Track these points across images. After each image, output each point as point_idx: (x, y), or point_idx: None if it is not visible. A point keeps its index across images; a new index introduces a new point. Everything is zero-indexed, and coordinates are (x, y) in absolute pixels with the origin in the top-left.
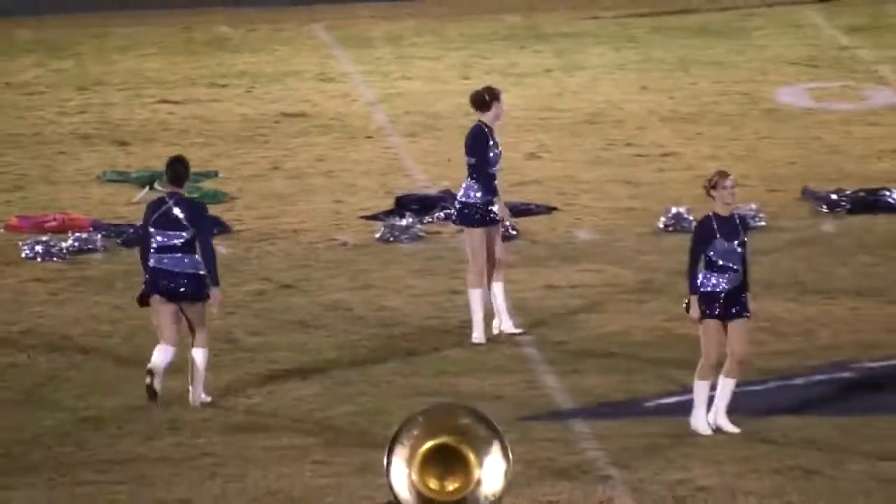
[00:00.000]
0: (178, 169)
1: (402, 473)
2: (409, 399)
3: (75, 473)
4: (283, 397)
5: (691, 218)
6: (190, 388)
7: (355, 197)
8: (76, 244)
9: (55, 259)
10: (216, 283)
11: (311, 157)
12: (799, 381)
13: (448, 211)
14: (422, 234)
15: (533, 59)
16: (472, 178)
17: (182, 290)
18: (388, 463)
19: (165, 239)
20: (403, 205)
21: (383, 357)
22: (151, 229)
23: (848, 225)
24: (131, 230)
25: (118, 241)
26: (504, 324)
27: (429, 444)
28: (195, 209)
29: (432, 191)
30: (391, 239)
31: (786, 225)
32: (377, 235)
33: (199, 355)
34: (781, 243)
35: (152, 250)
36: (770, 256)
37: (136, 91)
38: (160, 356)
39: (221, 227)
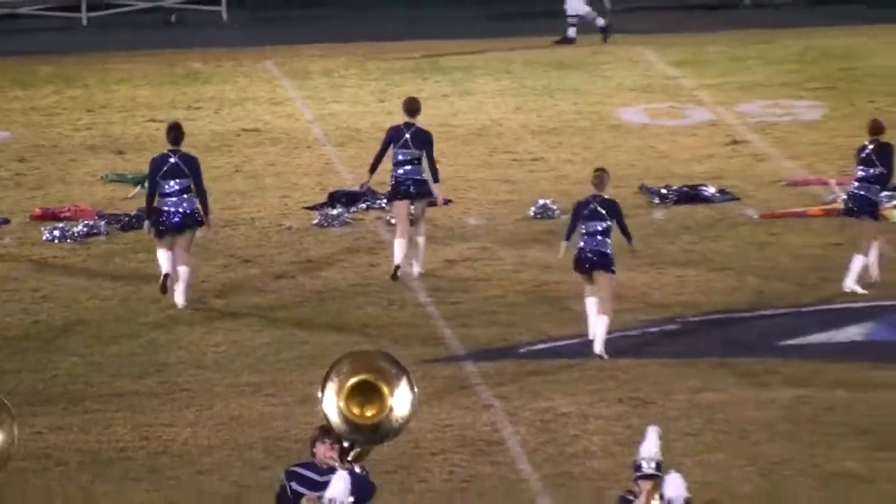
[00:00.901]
0: (176, 132)
1: (332, 403)
2: (339, 346)
3: (84, 404)
4: (243, 346)
5: (555, 207)
6: (181, 295)
7: (298, 192)
8: (85, 229)
9: (68, 241)
10: (207, 213)
11: (264, 163)
12: (635, 331)
13: (369, 202)
14: (349, 220)
15: (433, 87)
16: (421, 165)
17: (179, 221)
18: (322, 395)
19: (172, 186)
20: (335, 198)
21: (319, 315)
22: (160, 180)
23: (674, 213)
24: (127, 218)
25: (118, 226)
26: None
27: (353, 380)
28: (192, 161)
29: (356, 188)
30: (325, 225)
31: (627, 213)
32: (315, 222)
33: (184, 271)
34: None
35: (161, 196)
36: (614, 237)
37: (130, 112)
38: (165, 262)
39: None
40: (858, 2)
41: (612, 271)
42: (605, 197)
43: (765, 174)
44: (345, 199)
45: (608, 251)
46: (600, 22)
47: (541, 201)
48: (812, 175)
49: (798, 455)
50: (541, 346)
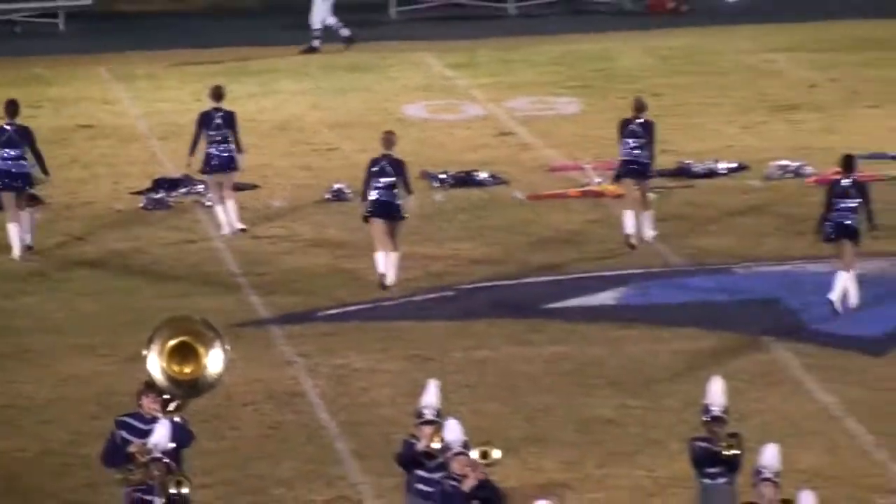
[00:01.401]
0: (12, 107)
1: (155, 362)
2: (162, 312)
3: None
4: (80, 312)
5: (348, 191)
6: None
7: (127, 180)
8: None
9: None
10: (46, 172)
11: (97, 154)
12: (418, 297)
13: (188, 188)
14: (171, 204)
15: (242, 88)
16: (231, 143)
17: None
18: (147, 354)
19: (8, 153)
20: (159, 185)
21: (145, 285)
22: None
23: (451, 195)
24: None
25: None
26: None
27: (173, 342)
28: (25, 131)
29: (177, 175)
30: (150, 208)
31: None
32: (141, 205)
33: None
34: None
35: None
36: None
37: None
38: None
39: (38, 200)
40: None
41: (403, 218)
42: (393, 156)
43: (529, 161)
44: (167, 185)
45: (397, 202)
46: (345, 32)
47: (336, 186)
48: (571, 162)
49: (559, 403)
50: (336, 310)
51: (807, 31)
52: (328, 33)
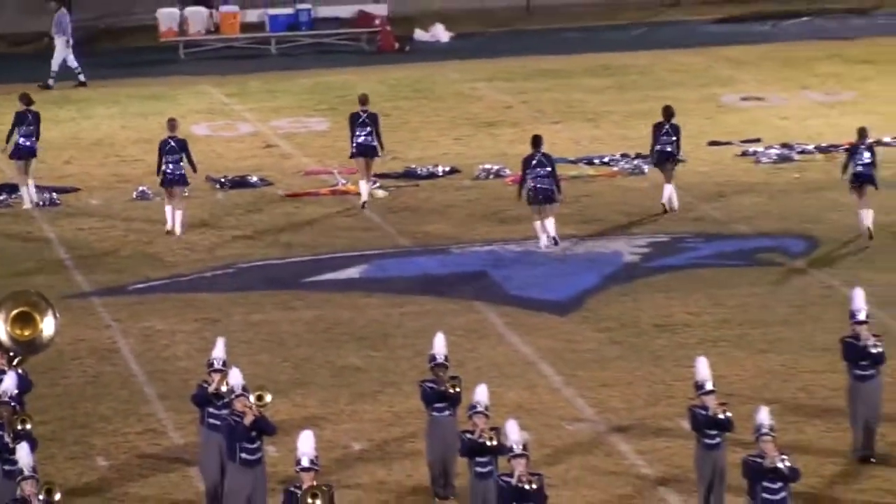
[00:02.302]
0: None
1: (1, 327)
2: (4, 289)
3: None
4: None
5: (150, 192)
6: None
7: None
8: None
9: None
10: None
11: None
12: (208, 273)
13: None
14: (10, 204)
15: (66, 113)
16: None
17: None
18: None
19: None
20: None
21: None
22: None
23: (230, 195)
24: None
25: None
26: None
27: (15, 311)
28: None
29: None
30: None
31: (197, 196)
32: None
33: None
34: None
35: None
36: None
37: None
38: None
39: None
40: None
41: (186, 183)
42: (178, 137)
43: (290, 167)
44: (7, 189)
45: (185, 173)
46: (81, 78)
47: (140, 188)
48: (322, 167)
49: (317, 355)
50: (142, 285)
51: (501, 65)
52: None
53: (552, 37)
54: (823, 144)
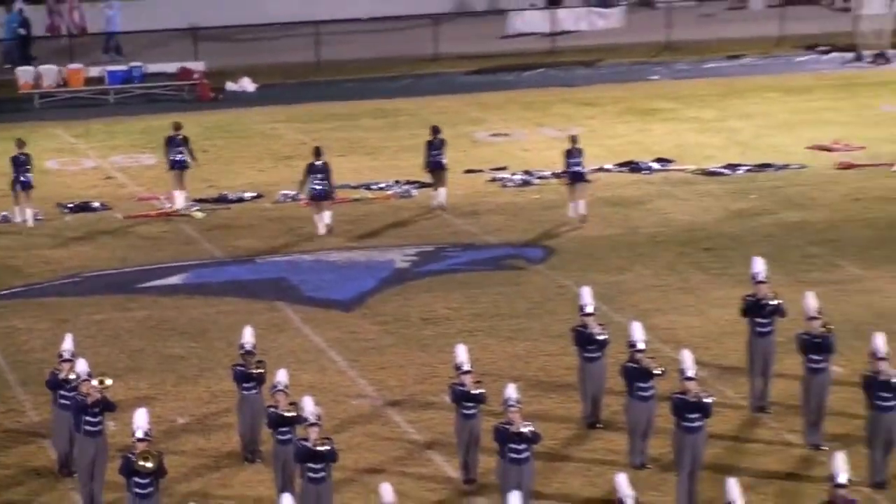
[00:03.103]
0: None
1: None
2: None
3: None
4: None
5: (10, 216)
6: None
7: None
8: None
9: None
10: None
11: None
12: (57, 282)
13: None
14: None
15: None
16: None
17: None
18: None
19: None
20: None
21: None
22: None
23: (77, 217)
24: None
25: None
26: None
27: None
28: None
29: None
30: None
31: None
32: None
33: None
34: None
35: None
36: None
37: None
38: None
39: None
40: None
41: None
42: (26, 152)
43: (126, 195)
44: None
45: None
46: None
47: (2, 213)
48: (150, 195)
49: (148, 346)
50: (6, 291)
51: (297, 110)
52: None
53: (338, 86)
54: (557, 171)
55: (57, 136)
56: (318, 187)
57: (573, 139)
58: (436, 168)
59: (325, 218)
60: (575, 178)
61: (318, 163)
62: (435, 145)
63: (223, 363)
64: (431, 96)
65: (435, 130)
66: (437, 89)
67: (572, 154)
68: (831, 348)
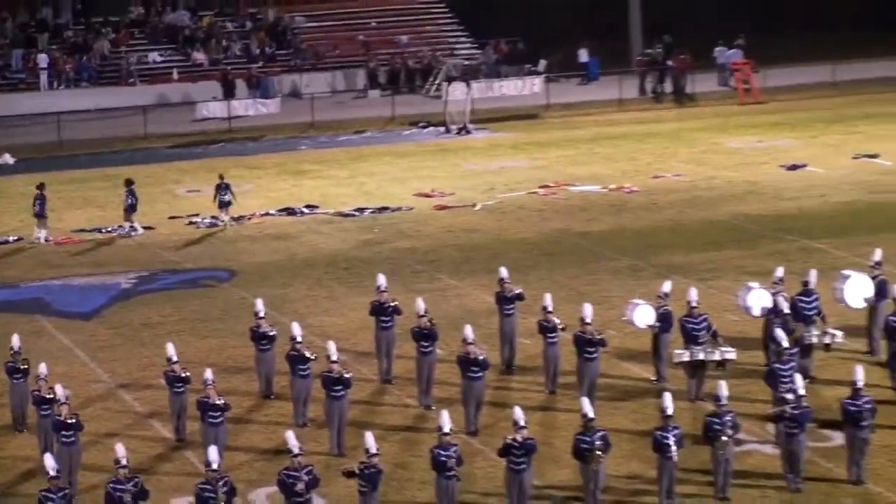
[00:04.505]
0: None
1: None
2: None
3: None
4: None
5: None
6: None
7: None
8: None
9: None
10: None
11: None
12: None
13: None
14: None
15: None
16: None
17: None
18: None
19: None
20: None
21: None
22: None
23: None
24: None
25: None
26: None
27: None
28: None
29: None
30: None
31: None
32: None
33: None
34: None
35: None
36: None
37: None
38: None
39: None
40: None
41: None
42: None
43: None
44: None
45: None
46: None
47: None
48: None
49: None
50: None
51: (46, 176)
52: None
53: (75, 159)
54: (237, 216)
55: None
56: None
57: (221, 177)
58: (130, 211)
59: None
60: (222, 205)
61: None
62: (131, 192)
63: None
64: (142, 165)
65: (127, 182)
66: (148, 160)
67: (220, 188)
68: (436, 337)
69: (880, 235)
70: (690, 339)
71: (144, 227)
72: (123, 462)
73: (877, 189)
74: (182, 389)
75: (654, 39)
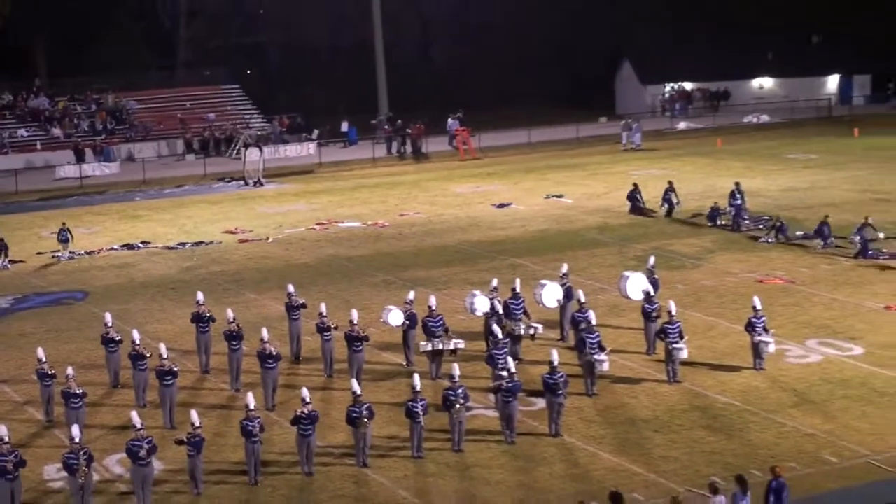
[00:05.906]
0: None
1: None
2: None
3: None
4: None
5: None
6: None
7: None
8: None
9: None
10: None
11: None
12: None
13: None
14: None
15: None
16: None
17: None
18: None
19: None
20: None
21: None
22: None
23: None
24: None
25: None
26: None
27: None
28: None
29: None
30: None
31: None
32: None
33: None
34: None
35: None
36: None
37: None
38: None
39: None
40: None
41: None
42: None
43: None
44: None
45: None
46: None
47: None
48: None
49: None
50: None
51: None
52: None
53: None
54: (88, 251)
55: None
56: None
57: (63, 223)
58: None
59: None
60: (62, 242)
61: None
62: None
63: None
64: (14, 214)
65: (61, 228)
66: (19, 210)
67: (61, 231)
68: (242, 337)
69: (566, 253)
70: (430, 334)
71: (17, 261)
72: (6, 439)
73: (562, 220)
74: (49, 383)
75: (388, 112)
